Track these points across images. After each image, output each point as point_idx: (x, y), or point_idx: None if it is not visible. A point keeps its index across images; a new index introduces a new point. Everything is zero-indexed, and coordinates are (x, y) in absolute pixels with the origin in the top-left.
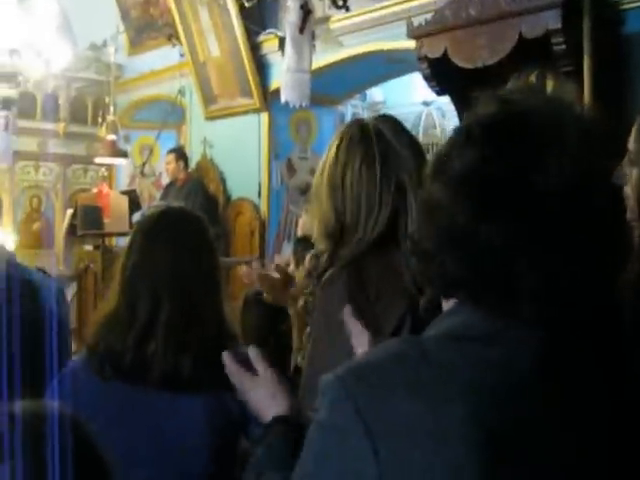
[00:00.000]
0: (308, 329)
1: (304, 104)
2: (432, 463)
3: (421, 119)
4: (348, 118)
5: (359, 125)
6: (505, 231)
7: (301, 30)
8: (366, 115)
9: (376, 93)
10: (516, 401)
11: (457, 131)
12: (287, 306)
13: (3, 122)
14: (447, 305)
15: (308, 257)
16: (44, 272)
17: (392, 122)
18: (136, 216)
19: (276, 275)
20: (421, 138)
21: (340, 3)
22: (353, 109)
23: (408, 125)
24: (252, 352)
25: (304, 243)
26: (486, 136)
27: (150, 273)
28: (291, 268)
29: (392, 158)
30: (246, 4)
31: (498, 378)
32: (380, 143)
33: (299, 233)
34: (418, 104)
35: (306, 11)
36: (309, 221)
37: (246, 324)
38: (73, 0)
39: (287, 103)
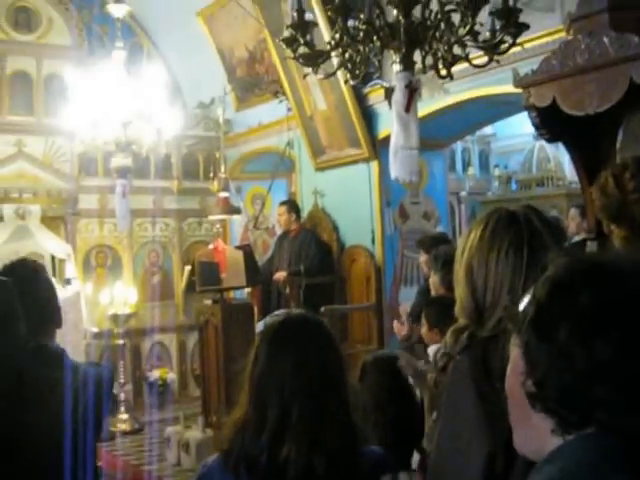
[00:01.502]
0: (434, 414)
1: (414, 179)
2: None
3: (533, 152)
4: (458, 154)
5: (507, 211)
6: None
7: (407, 109)
8: (476, 148)
9: (486, 126)
10: None
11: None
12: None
13: (121, 190)
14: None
15: (449, 332)
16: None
17: (539, 212)
18: (259, 325)
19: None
20: (534, 172)
21: (443, 73)
22: (463, 144)
23: (521, 158)
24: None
25: (436, 306)
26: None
27: (277, 379)
28: (423, 330)
29: (538, 246)
30: (351, 82)
31: None
32: (529, 230)
33: (432, 292)
34: (528, 136)
35: (411, 90)
36: (438, 281)
37: (363, 392)
38: (181, 64)
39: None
